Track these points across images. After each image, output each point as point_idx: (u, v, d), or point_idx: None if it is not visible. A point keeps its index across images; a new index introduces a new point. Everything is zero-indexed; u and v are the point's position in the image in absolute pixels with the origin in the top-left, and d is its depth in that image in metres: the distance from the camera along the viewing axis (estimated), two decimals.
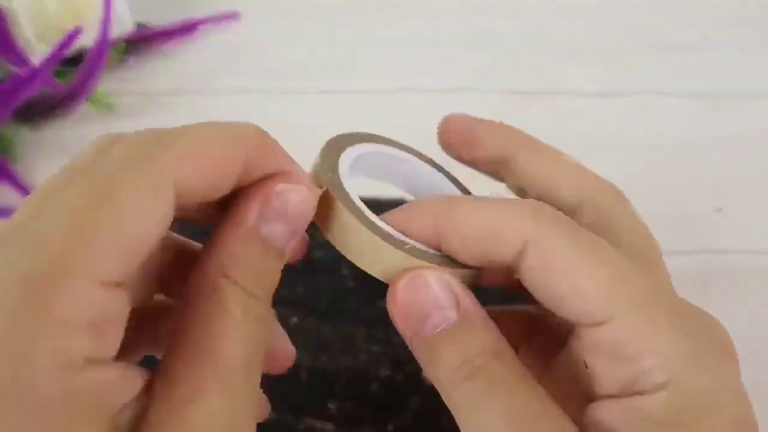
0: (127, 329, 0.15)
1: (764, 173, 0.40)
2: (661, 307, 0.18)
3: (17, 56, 0.40)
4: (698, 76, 0.47)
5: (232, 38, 0.50)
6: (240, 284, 0.17)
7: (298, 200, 0.18)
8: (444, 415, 0.29)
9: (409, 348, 0.19)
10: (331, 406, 0.29)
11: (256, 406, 0.16)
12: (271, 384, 0.30)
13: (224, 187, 0.17)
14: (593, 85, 0.46)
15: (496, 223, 0.18)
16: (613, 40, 0.50)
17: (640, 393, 0.17)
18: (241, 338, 0.16)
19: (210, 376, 0.15)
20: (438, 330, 0.18)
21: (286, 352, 0.22)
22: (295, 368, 0.30)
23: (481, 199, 0.19)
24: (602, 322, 0.17)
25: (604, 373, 0.18)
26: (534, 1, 0.53)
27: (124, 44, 0.46)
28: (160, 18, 0.49)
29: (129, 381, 0.15)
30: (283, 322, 0.32)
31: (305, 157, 0.44)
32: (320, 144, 0.26)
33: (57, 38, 0.38)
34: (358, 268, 0.19)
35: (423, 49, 0.49)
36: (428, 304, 0.18)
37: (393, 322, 0.19)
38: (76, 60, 0.41)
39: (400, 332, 0.19)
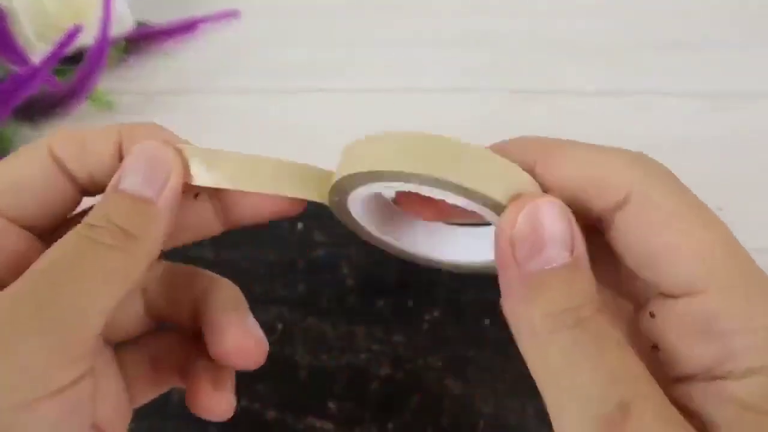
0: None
1: (765, 173, 0.40)
2: (759, 285, 0.16)
3: (17, 55, 0.40)
4: (698, 75, 0.47)
5: (233, 37, 0.50)
6: (86, 222, 0.19)
7: (150, 153, 0.20)
8: (444, 414, 0.29)
9: (500, 278, 0.17)
10: (331, 405, 0.29)
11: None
12: (271, 383, 0.30)
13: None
14: (593, 84, 0.46)
15: (603, 167, 0.17)
16: (613, 40, 0.50)
17: (725, 377, 0.16)
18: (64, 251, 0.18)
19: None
20: (548, 267, 0.16)
21: (253, 343, 0.22)
22: (294, 367, 0.30)
23: (587, 144, 0.18)
24: (696, 292, 0.16)
25: (686, 350, 0.16)
26: (534, 0, 0.53)
27: (124, 43, 0.46)
28: (160, 17, 0.49)
29: None
30: (284, 320, 0.32)
31: (305, 156, 0.44)
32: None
33: (57, 37, 0.38)
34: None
35: (423, 49, 0.49)
36: (546, 237, 0.16)
37: (495, 244, 0.17)
38: (76, 59, 0.41)
39: (499, 258, 0.17)
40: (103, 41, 0.40)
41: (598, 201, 0.17)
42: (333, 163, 0.23)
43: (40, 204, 0.20)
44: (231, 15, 0.51)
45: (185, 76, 0.47)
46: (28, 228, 0.20)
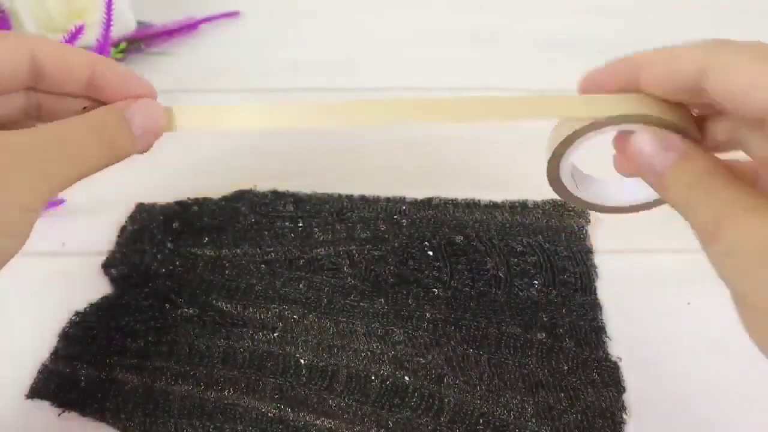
0: None
1: None
2: None
3: None
4: None
5: (233, 37, 0.50)
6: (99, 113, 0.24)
7: (155, 112, 0.26)
8: (444, 413, 0.29)
9: (656, 190, 0.24)
10: (331, 403, 0.29)
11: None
12: (271, 381, 0.30)
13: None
14: None
15: (675, 52, 0.23)
16: (613, 39, 0.50)
17: None
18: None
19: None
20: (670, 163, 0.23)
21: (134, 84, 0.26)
22: (295, 365, 0.31)
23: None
24: None
25: None
26: (535, 0, 0.53)
27: (126, 43, 0.46)
28: (161, 17, 0.49)
29: None
30: (284, 319, 0.32)
31: (305, 153, 0.44)
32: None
33: (59, 37, 0.38)
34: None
35: (423, 48, 0.49)
36: (657, 152, 0.23)
37: (637, 166, 0.24)
38: None
39: (646, 173, 0.24)
40: (105, 41, 0.40)
41: (682, 74, 0.23)
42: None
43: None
44: (231, 15, 0.51)
45: (185, 76, 0.47)
46: None
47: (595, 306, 0.33)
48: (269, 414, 0.29)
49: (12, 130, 0.22)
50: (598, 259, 0.35)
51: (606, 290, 0.34)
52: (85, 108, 0.25)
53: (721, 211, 0.21)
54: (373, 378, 0.30)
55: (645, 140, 0.24)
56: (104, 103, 0.25)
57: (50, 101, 0.25)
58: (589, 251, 0.35)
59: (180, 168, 0.40)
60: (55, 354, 0.31)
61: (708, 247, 0.22)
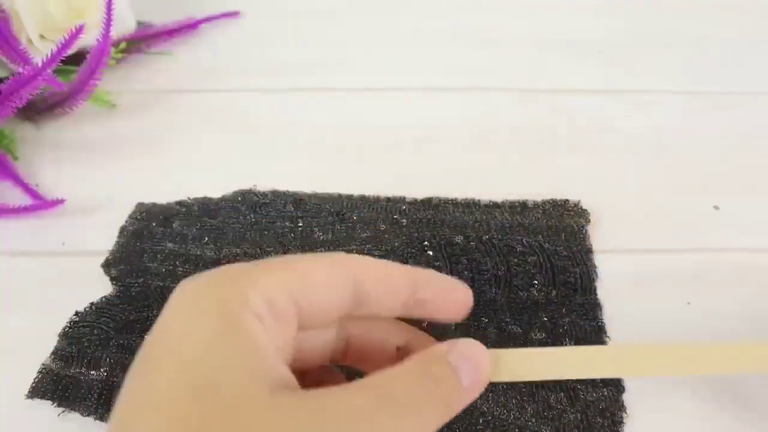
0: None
1: (762, 171, 0.40)
2: None
3: (19, 55, 0.40)
4: (698, 74, 0.47)
5: (233, 37, 0.50)
6: (423, 363, 0.20)
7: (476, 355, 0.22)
8: None
9: None
10: None
11: None
12: None
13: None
14: (593, 83, 0.46)
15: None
16: (613, 39, 0.50)
17: None
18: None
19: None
20: None
21: (459, 295, 0.24)
22: None
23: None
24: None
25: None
26: (535, 0, 0.53)
27: (125, 43, 0.46)
28: (161, 16, 0.49)
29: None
30: None
31: (305, 154, 0.44)
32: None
33: (59, 37, 0.38)
34: None
35: (423, 48, 0.49)
36: None
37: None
38: (77, 59, 0.41)
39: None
40: (105, 41, 0.40)
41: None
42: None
43: (317, 314, 0.21)
44: (231, 15, 0.51)
45: (185, 76, 0.47)
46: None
47: (595, 306, 0.33)
48: None
49: (322, 385, 0.19)
50: (598, 259, 0.35)
51: (606, 290, 0.34)
52: (398, 348, 0.23)
53: None
54: None
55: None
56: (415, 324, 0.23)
57: (361, 334, 0.23)
58: (589, 251, 0.35)
59: (180, 168, 0.40)
60: (56, 354, 0.31)
61: None
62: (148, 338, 0.19)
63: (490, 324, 0.32)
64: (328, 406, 0.18)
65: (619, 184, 0.39)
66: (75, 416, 0.29)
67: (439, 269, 0.34)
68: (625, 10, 0.52)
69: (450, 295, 0.23)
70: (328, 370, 0.24)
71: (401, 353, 0.23)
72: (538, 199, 0.38)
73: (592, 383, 0.30)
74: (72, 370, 0.30)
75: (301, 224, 0.36)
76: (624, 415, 0.29)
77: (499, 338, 0.31)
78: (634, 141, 0.42)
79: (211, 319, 0.18)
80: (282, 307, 0.20)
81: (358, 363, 0.24)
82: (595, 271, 0.34)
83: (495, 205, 0.37)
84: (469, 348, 0.22)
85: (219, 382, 0.17)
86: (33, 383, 0.30)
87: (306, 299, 0.20)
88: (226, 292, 0.19)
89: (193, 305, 0.19)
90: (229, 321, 0.18)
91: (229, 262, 0.35)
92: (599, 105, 0.44)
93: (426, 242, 0.35)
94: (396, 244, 0.35)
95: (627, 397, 0.29)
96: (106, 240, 0.36)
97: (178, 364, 0.18)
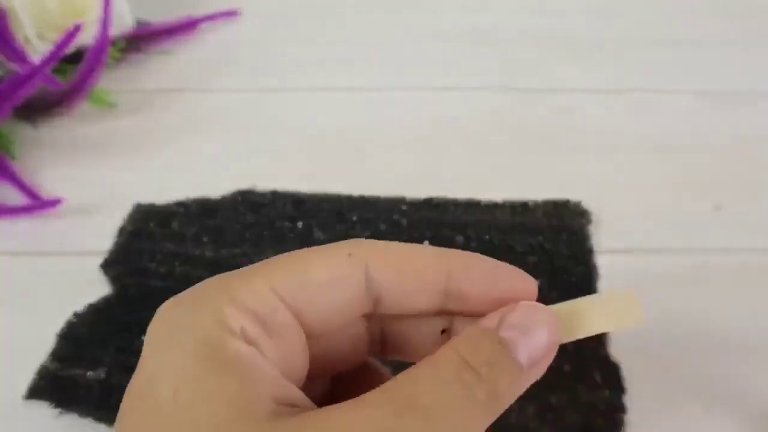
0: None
1: (764, 171, 0.40)
2: None
3: (17, 54, 0.40)
4: (699, 74, 0.47)
5: (233, 37, 0.50)
6: (461, 353, 0.16)
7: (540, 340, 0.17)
8: None
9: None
10: None
11: None
12: None
13: (424, 298, 0.18)
14: (594, 82, 0.46)
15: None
16: (613, 38, 0.50)
17: None
18: (437, 392, 0.16)
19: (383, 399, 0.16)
20: None
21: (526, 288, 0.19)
22: None
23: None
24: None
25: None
26: (535, 0, 0.53)
27: (124, 42, 0.46)
28: (159, 15, 0.49)
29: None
30: None
31: (305, 154, 0.44)
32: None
33: (57, 36, 0.38)
34: None
35: (423, 48, 0.49)
36: None
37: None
38: (76, 58, 0.41)
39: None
40: (103, 40, 0.40)
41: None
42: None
43: (326, 316, 0.18)
44: (231, 15, 0.51)
45: (185, 76, 0.47)
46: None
47: None
48: None
49: (365, 387, 0.16)
50: (599, 259, 0.35)
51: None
52: (444, 331, 0.19)
53: None
54: None
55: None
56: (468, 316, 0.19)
57: (397, 323, 0.19)
58: (589, 251, 0.35)
59: (179, 168, 0.40)
60: (54, 355, 0.31)
61: None
62: (130, 383, 0.16)
63: None
64: (336, 426, 0.15)
65: (620, 184, 0.39)
66: (74, 417, 0.29)
67: None
68: (626, 9, 0.52)
69: (496, 284, 0.18)
70: (370, 367, 0.21)
71: (445, 337, 0.19)
72: (539, 199, 0.37)
73: (592, 384, 0.30)
74: (70, 371, 0.30)
75: (300, 224, 0.36)
76: (624, 416, 0.29)
77: None
78: (634, 141, 0.42)
79: (188, 355, 0.16)
80: (275, 317, 0.17)
81: (400, 355, 0.20)
82: (595, 271, 0.34)
83: (495, 205, 0.37)
84: (527, 311, 0.17)
85: (201, 427, 0.15)
86: (31, 384, 0.30)
87: (305, 302, 0.17)
88: (203, 317, 0.16)
89: (168, 339, 0.16)
90: (208, 353, 0.15)
91: (228, 262, 0.34)
92: (599, 105, 0.44)
93: (426, 242, 0.35)
94: None
95: (627, 398, 0.29)
96: (105, 240, 0.36)
97: (156, 417, 0.15)
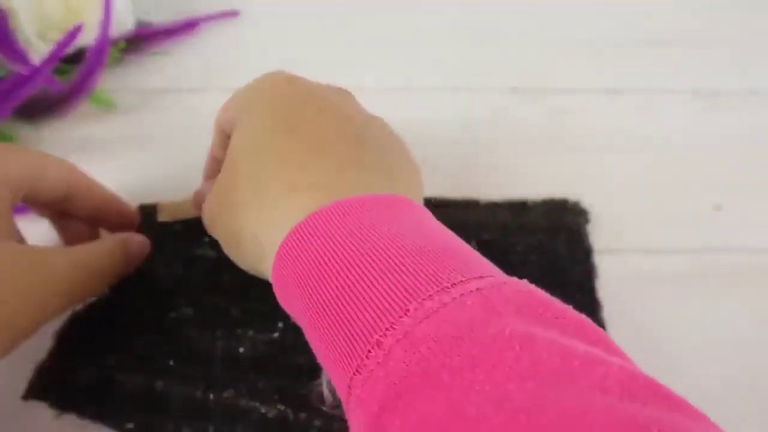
0: None
1: (764, 171, 0.40)
2: None
3: (17, 55, 0.40)
4: (699, 74, 0.47)
5: (232, 37, 0.50)
6: (119, 238, 0.33)
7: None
8: None
9: None
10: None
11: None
12: (272, 380, 0.30)
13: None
14: (594, 82, 0.46)
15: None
16: (612, 38, 0.50)
17: None
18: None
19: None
20: None
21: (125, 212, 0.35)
22: (297, 367, 0.31)
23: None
24: None
25: None
26: (535, 0, 0.53)
27: (124, 42, 0.46)
28: (160, 16, 0.49)
29: None
30: (285, 319, 0.32)
31: None
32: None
33: (57, 36, 0.38)
34: None
35: (423, 48, 0.49)
36: None
37: None
38: (76, 58, 0.41)
39: None
40: (104, 41, 0.40)
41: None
42: None
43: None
44: (231, 15, 0.51)
45: (185, 75, 0.47)
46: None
47: (595, 306, 0.33)
48: (269, 414, 0.29)
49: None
50: (598, 259, 0.35)
51: (606, 290, 0.34)
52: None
53: None
54: None
55: None
56: None
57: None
58: (589, 251, 0.35)
59: (179, 168, 0.40)
60: (53, 354, 0.31)
61: None
62: None
63: None
64: (34, 252, 0.28)
65: (619, 183, 0.39)
66: (73, 417, 0.29)
67: None
68: (625, 9, 0.52)
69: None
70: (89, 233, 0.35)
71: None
72: (538, 198, 0.37)
73: None
74: (69, 371, 0.30)
75: None
76: None
77: None
78: (634, 141, 0.42)
79: None
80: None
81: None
82: (595, 271, 0.34)
83: (495, 205, 0.37)
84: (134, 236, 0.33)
85: None
86: (30, 384, 0.30)
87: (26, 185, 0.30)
88: None
89: None
90: None
91: (228, 261, 0.34)
92: (599, 105, 0.44)
93: None
94: None
95: None
96: None
97: None
